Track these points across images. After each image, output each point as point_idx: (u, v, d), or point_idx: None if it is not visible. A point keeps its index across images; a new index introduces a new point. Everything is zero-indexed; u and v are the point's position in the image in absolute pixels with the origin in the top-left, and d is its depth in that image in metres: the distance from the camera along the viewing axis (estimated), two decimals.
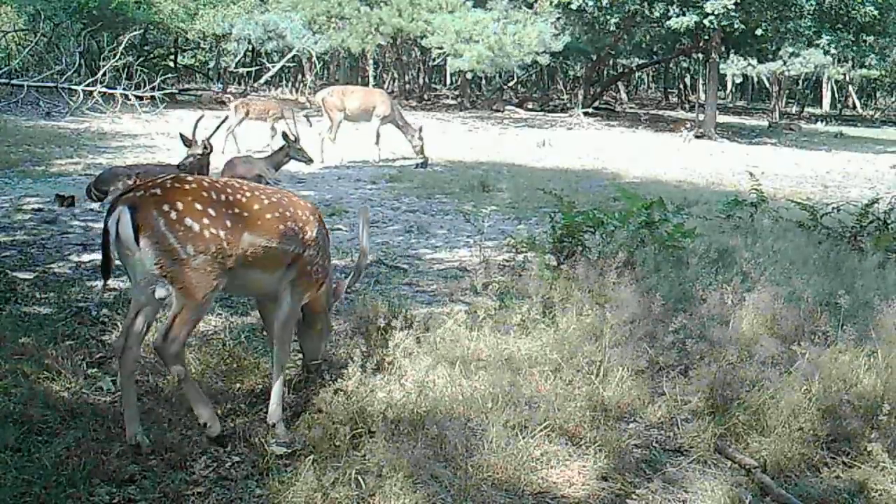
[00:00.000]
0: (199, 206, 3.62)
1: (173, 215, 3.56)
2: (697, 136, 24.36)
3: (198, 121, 9.35)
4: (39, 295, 5.71)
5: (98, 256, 6.96)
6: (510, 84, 40.05)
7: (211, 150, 9.17)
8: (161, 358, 3.73)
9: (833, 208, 8.50)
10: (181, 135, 9.20)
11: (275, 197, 3.99)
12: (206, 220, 3.62)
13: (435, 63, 36.81)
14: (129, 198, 3.61)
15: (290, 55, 26.78)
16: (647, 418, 4.23)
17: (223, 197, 3.73)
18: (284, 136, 11.48)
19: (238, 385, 4.36)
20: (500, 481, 3.51)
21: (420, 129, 14.90)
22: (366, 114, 14.67)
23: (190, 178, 3.80)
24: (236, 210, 3.74)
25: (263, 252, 3.82)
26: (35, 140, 14.49)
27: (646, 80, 53.33)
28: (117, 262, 3.79)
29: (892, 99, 49.90)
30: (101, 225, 8.33)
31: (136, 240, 3.55)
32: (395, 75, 37.55)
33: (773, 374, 4.35)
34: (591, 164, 16.20)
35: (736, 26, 23.59)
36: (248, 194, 3.86)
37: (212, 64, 32.72)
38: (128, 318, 3.81)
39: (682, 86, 47.41)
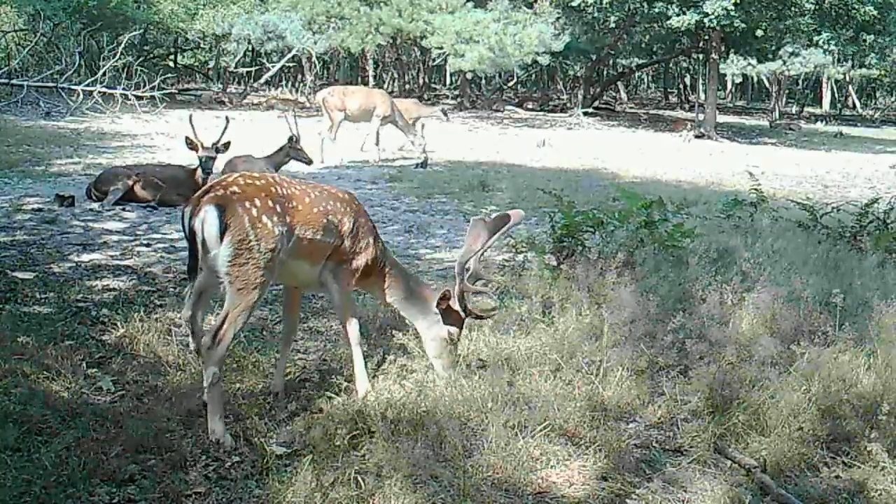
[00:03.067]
0: (270, 203, 3.79)
1: (254, 212, 3.71)
2: (697, 136, 24.37)
3: (190, 120, 9.37)
4: (39, 295, 5.71)
5: (98, 256, 7.01)
6: (510, 84, 40.04)
7: (223, 151, 9.28)
8: (204, 357, 3.78)
9: (833, 208, 8.50)
10: (186, 138, 9.24)
11: (316, 191, 4.17)
12: (275, 218, 3.78)
13: (435, 63, 36.79)
14: (214, 197, 3.71)
15: (289, 55, 26.76)
16: (647, 418, 4.23)
17: (283, 192, 3.91)
18: (291, 138, 11.53)
19: (238, 385, 4.36)
20: (500, 481, 3.51)
21: (422, 127, 14.95)
22: (366, 114, 14.68)
23: (258, 175, 3.96)
24: (291, 204, 3.92)
25: (309, 245, 4.02)
26: (35, 140, 14.48)
27: (646, 80, 53.30)
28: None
29: (892, 99, 49.89)
30: (101, 225, 8.31)
31: (221, 238, 3.65)
32: (395, 75, 37.53)
33: (773, 374, 4.35)
34: (591, 164, 16.20)
35: (736, 25, 23.59)
36: (297, 189, 4.04)
37: (212, 64, 32.73)
38: (187, 302, 3.99)
39: (681, 86, 47.40)
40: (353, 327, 4.28)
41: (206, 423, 3.75)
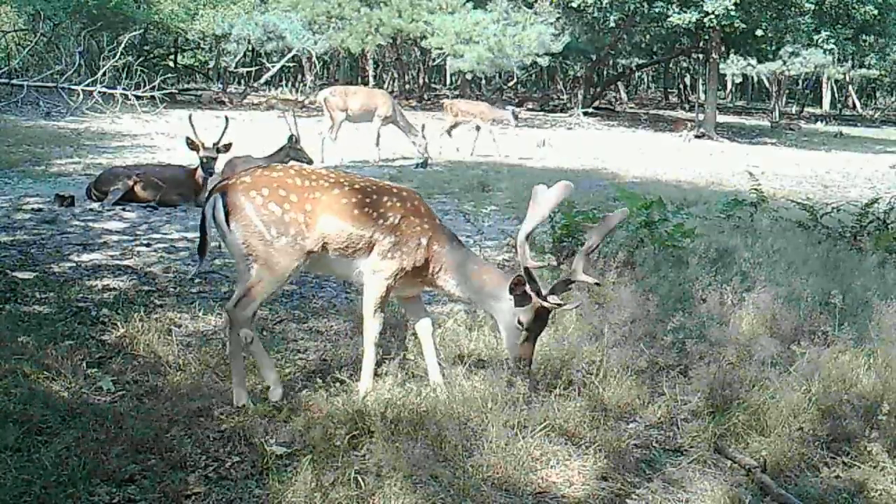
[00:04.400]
0: (282, 193, 4.05)
1: (259, 200, 4.01)
2: (697, 136, 24.38)
3: (190, 120, 9.40)
4: (39, 295, 5.70)
5: (98, 256, 7.02)
6: (510, 84, 40.03)
7: (225, 152, 9.34)
8: (231, 320, 4.12)
9: (833, 208, 8.51)
10: (188, 139, 9.26)
11: (359, 184, 4.23)
12: (286, 206, 4.03)
13: (435, 63, 36.82)
14: (222, 186, 4.15)
15: (289, 55, 26.78)
16: (647, 418, 4.23)
17: (307, 183, 4.10)
18: (291, 137, 11.55)
19: None
20: (500, 481, 3.51)
21: (423, 128, 14.94)
22: (368, 114, 14.67)
23: (279, 167, 4.27)
24: (316, 195, 4.08)
25: (337, 236, 4.10)
26: (35, 140, 14.48)
27: (646, 80, 53.30)
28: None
29: (892, 99, 49.88)
30: (101, 225, 8.34)
31: (228, 223, 4.04)
32: (395, 75, 37.54)
33: (773, 374, 4.35)
34: (591, 164, 16.20)
35: (736, 25, 23.59)
36: (331, 180, 4.17)
37: (212, 64, 32.72)
38: (238, 285, 4.26)
39: (682, 86, 47.40)
40: (373, 326, 4.26)
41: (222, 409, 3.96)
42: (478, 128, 16.82)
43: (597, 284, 4.53)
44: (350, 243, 4.15)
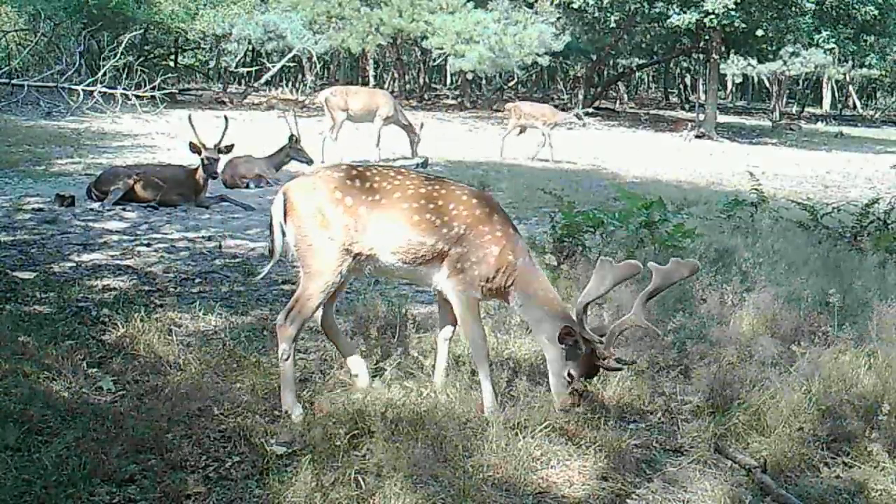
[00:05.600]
0: (338, 195, 3.96)
1: (315, 202, 3.96)
2: (698, 136, 24.36)
3: (190, 120, 9.42)
4: (39, 295, 5.70)
5: (98, 256, 7.04)
6: (510, 84, 40.03)
7: (227, 152, 9.38)
8: (277, 334, 4.09)
9: (833, 208, 8.51)
10: (190, 143, 9.28)
11: (425, 188, 4.05)
12: (340, 209, 3.94)
13: (435, 63, 36.82)
14: (286, 185, 4.13)
15: (290, 55, 26.77)
16: (647, 418, 4.23)
17: (367, 185, 3.99)
18: (291, 137, 11.59)
19: (238, 385, 4.36)
20: (500, 481, 3.51)
21: (421, 126, 14.99)
22: (369, 114, 14.68)
23: (343, 167, 4.14)
24: (374, 198, 3.97)
25: (394, 242, 3.98)
26: (35, 140, 14.48)
27: (646, 80, 53.28)
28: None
29: (893, 99, 49.84)
30: (101, 225, 8.36)
31: (285, 222, 4.02)
32: (396, 75, 37.53)
33: (773, 374, 4.36)
34: (591, 164, 16.20)
35: (736, 25, 23.60)
36: (396, 183, 4.03)
37: (212, 64, 32.71)
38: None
39: (682, 86, 47.37)
40: (473, 342, 4.08)
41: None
42: (523, 130, 16.47)
43: (656, 334, 4.35)
44: (410, 251, 4.00)
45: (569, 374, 3.97)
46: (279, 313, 4.16)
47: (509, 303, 4.18)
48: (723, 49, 26.86)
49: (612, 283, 3.90)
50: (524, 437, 3.76)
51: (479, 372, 4.08)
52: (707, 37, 26.76)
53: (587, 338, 3.89)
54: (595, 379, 4.32)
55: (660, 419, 4.22)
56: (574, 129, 18.09)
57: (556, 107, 28.63)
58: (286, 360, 4.05)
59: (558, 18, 26.74)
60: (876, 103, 49.83)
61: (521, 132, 16.67)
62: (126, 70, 9.66)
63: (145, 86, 9.05)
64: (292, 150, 11.72)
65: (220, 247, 7.63)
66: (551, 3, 26.32)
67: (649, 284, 3.93)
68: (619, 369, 4.03)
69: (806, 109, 42.41)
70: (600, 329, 4.02)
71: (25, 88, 8.90)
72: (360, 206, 3.95)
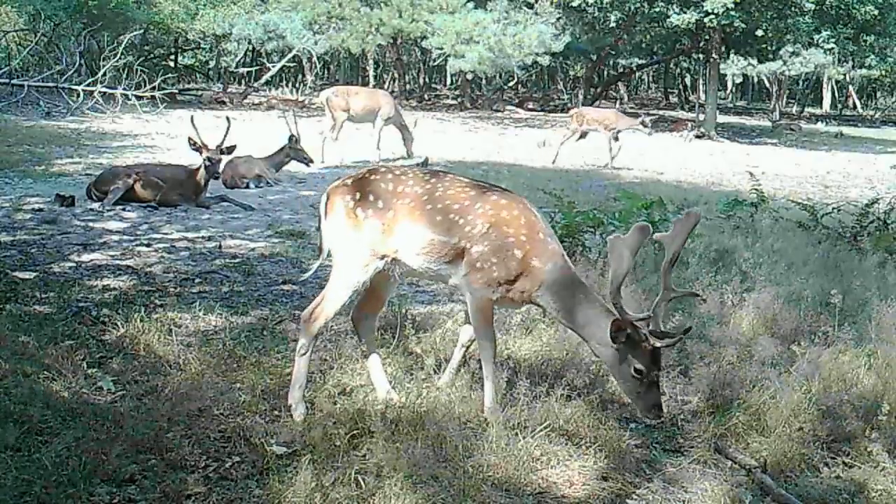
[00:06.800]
0: (371, 197, 4.04)
1: (350, 203, 4.06)
2: (698, 136, 24.37)
3: (192, 121, 9.44)
4: (39, 295, 5.70)
5: (98, 256, 7.04)
6: (510, 84, 40.05)
7: (229, 153, 9.40)
8: (300, 327, 4.17)
9: (833, 208, 8.51)
10: (191, 141, 9.29)
11: (455, 189, 4.05)
12: (371, 210, 4.02)
13: (435, 63, 36.81)
14: (330, 186, 4.24)
15: (290, 55, 26.79)
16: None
17: (399, 188, 4.05)
18: (290, 137, 11.61)
19: (238, 385, 4.36)
20: (500, 481, 3.51)
21: (415, 123, 15.06)
22: (370, 114, 14.68)
23: (382, 169, 4.20)
24: (403, 201, 4.02)
25: (418, 241, 4.01)
26: (35, 140, 14.49)
27: (646, 81, 53.29)
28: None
29: (893, 99, 49.86)
30: (101, 225, 8.37)
31: (326, 221, 4.17)
32: (396, 75, 37.54)
33: (773, 374, 4.35)
34: (591, 164, 16.20)
35: (736, 25, 23.61)
36: (426, 185, 4.05)
37: (212, 64, 32.72)
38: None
39: (682, 86, 47.38)
40: (482, 343, 4.06)
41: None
42: (583, 135, 16.14)
43: (695, 295, 4.34)
44: (432, 250, 4.00)
45: (636, 371, 3.73)
46: (305, 309, 4.21)
47: (545, 309, 4.09)
48: (723, 49, 26.86)
49: (630, 255, 3.73)
50: (524, 437, 3.76)
51: (484, 371, 4.08)
52: (707, 37, 26.76)
53: (637, 322, 3.70)
54: (595, 379, 4.31)
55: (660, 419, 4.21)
56: (641, 134, 16.81)
57: (555, 107, 28.34)
58: (303, 354, 4.08)
59: (558, 18, 26.74)
60: (876, 103, 49.84)
61: (581, 138, 16.23)
62: (126, 70, 9.64)
63: (145, 86, 9.04)
64: (292, 150, 11.73)
65: (220, 247, 7.63)
66: (551, 3, 26.32)
67: (665, 255, 3.83)
68: (679, 339, 3.84)
69: (806, 109, 42.43)
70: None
71: (25, 88, 8.90)
72: (389, 209, 4.01)
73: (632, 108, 38.49)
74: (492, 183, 4.38)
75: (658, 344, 3.71)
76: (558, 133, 18.10)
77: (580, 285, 3.98)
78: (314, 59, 28.63)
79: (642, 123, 16.33)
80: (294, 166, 11.95)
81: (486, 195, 4.06)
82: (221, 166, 9.67)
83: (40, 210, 8.73)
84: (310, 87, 30.78)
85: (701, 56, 32.50)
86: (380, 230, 4.00)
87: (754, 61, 26.96)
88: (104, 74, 8.74)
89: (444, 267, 4.05)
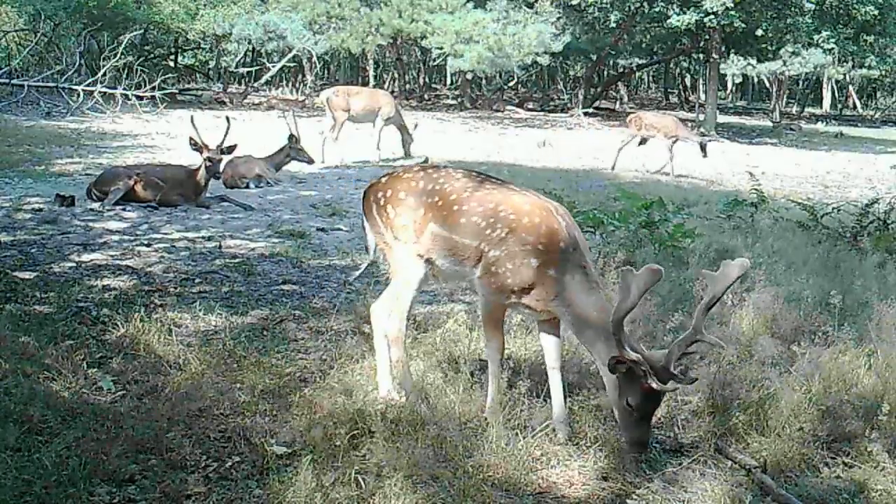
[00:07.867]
0: (402, 196, 4.09)
1: (382, 202, 4.15)
2: (701, 136, 24.34)
3: (192, 122, 9.45)
4: (39, 295, 5.70)
5: (98, 256, 7.05)
6: (510, 84, 40.03)
7: (229, 153, 9.42)
8: (389, 342, 4.23)
9: (833, 208, 8.52)
10: (190, 139, 9.30)
11: (480, 192, 3.99)
12: (401, 209, 4.08)
13: (435, 63, 36.80)
14: (368, 185, 4.33)
15: (290, 55, 26.78)
16: None
17: (431, 187, 4.06)
18: (290, 136, 11.64)
19: (238, 385, 4.36)
20: (500, 481, 3.51)
21: (415, 126, 15.06)
22: (370, 114, 14.70)
23: (414, 169, 4.26)
24: (432, 200, 4.03)
25: (445, 243, 4.01)
26: (35, 140, 14.49)
27: (646, 81, 53.28)
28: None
29: (893, 99, 49.85)
30: (101, 225, 8.38)
31: (367, 220, 4.30)
32: (396, 75, 37.54)
33: (773, 374, 4.35)
34: (591, 164, 16.20)
35: (736, 25, 23.61)
36: (454, 185, 4.04)
37: (212, 64, 32.71)
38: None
39: (682, 86, 47.38)
40: (488, 345, 4.04)
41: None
42: (643, 141, 15.71)
43: (721, 347, 3.90)
44: (457, 252, 3.97)
45: (628, 404, 3.60)
46: (373, 304, 4.33)
47: (561, 320, 3.93)
48: (723, 49, 26.88)
49: (637, 293, 3.52)
50: (524, 437, 3.76)
51: (490, 369, 4.06)
52: (707, 37, 26.78)
53: (635, 359, 3.54)
54: (595, 379, 4.30)
55: (660, 419, 4.21)
56: (701, 145, 16.06)
57: (555, 107, 28.32)
58: (400, 365, 4.18)
59: (558, 18, 26.74)
60: (876, 103, 49.83)
61: (641, 143, 15.81)
62: (126, 70, 9.64)
63: (145, 86, 9.04)
64: (292, 150, 11.74)
65: (220, 247, 7.63)
66: (551, 3, 26.32)
67: (705, 294, 3.65)
68: (675, 389, 3.65)
69: (806, 109, 42.42)
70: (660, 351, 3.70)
71: (25, 88, 8.90)
72: (419, 207, 4.04)
73: (632, 108, 38.52)
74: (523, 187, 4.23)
75: (656, 387, 3.53)
76: (557, 132, 18.05)
77: (599, 300, 3.82)
78: (314, 59, 28.60)
79: (701, 146, 15.64)
80: (294, 166, 11.95)
81: (513, 199, 3.95)
82: (221, 166, 9.67)
83: (40, 210, 8.73)
84: (310, 87, 30.78)
85: (701, 56, 32.52)
86: (413, 230, 4.05)
87: (754, 61, 26.97)
88: (104, 74, 8.74)
89: (466, 268, 4.01)
